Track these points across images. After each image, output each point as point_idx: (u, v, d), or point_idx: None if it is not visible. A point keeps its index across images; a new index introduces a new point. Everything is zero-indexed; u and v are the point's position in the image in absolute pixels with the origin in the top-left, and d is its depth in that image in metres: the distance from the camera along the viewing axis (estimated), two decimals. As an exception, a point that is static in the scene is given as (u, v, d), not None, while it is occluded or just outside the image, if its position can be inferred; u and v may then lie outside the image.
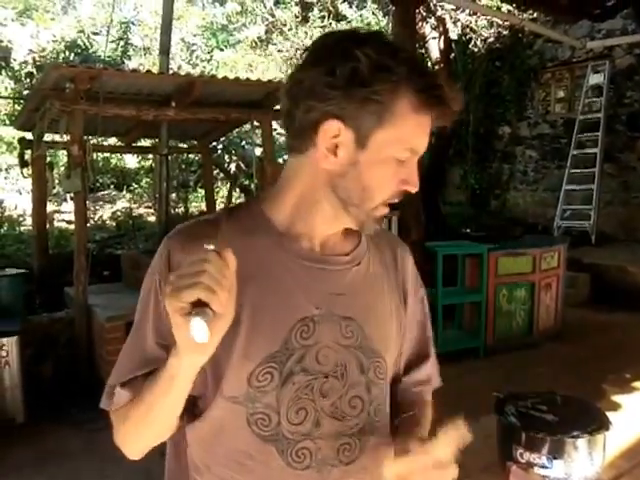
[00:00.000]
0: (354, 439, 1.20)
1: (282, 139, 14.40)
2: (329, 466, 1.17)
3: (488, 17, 10.77)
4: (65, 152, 6.79)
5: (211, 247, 0.97)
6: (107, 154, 12.42)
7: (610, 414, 2.06)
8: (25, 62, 13.75)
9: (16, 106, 12.33)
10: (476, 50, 11.65)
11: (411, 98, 1.09)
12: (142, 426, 1.15)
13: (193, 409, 1.21)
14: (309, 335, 1.16)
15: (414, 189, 1.17)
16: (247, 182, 11.53)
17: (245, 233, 1.19)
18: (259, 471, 1.16)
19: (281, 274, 1.18)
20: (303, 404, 1.15)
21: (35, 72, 13.27)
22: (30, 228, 8.62)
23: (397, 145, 1.12)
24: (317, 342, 1.17)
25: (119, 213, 11.94)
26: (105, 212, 12.04)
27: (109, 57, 14.41)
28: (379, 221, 1.21)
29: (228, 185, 12.36)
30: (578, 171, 10.91)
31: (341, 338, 1.19)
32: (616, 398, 3.12)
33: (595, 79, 11.11)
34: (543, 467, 1.83)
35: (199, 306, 0.92)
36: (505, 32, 11.36)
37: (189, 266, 0.94)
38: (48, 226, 8.34)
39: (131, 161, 14.49)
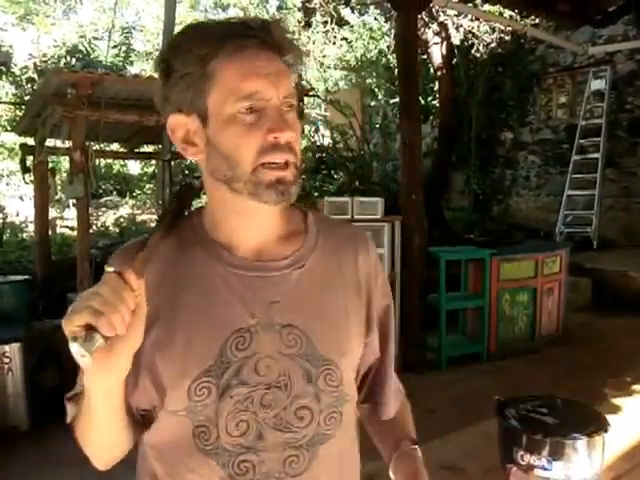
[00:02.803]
0: (302, 450, 1.15)
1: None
2: (274, 479, 1.13)
3: (490, 23, 10.77)
4: (67, 158, 6.81)
5: (111, 269, 0.98)
6: (109, 160, 12.46)
7: (610, 417, 2.07)
8: (26, 67, 13.80)
9: (17, 112, 12.37)
10: (478, 56, 11.66)
11: (210, 50, 1.08)
12: (91, 439, 1.17)
13: (149, 420, 1.20)
14: (246, 346, 1.12)
15: (283, 135, 1.09)
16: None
17: (183, 246, 1.18)
18: None
19: (216, 286, 1.15)
20: (243, 417, 1.12)
21: (36, 77, 13.31)
22: (32, 234, 8.64)
23: (229, 100, 1.08)
24: (256, 353, 1.13)
25: (122, 219, 11.97)
26: (108, 218, 12.07)
27: (111, 62, 14.48)
28: (276, 186, 1.10)
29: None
30: (580, 176, 10.94)
31: (283, 347, 1.14)
32: (616, 401, 3.13)
33: (596, 85, 11.14)
34: (543, 469, 1.84)
35: (92, 329, 0.92)
36: (507, 38, 11.36)
37: (90, 289, 0.96)
38: (50, 232, 8.36)
39: (134, 167, 14.54)
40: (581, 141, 11.10)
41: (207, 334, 1.12)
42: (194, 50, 1.08)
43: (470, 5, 9.87)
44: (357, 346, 1.26)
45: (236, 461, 1.12)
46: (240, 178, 1.10)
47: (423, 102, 12.30)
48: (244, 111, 1.08)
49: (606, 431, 1.91)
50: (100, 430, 1.13)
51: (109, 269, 0.98)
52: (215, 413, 1.11)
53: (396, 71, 8.46)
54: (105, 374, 1.00)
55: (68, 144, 6.04)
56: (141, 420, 1.20)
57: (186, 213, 1.23)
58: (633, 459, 2.24)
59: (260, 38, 1.09)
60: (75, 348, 0.92)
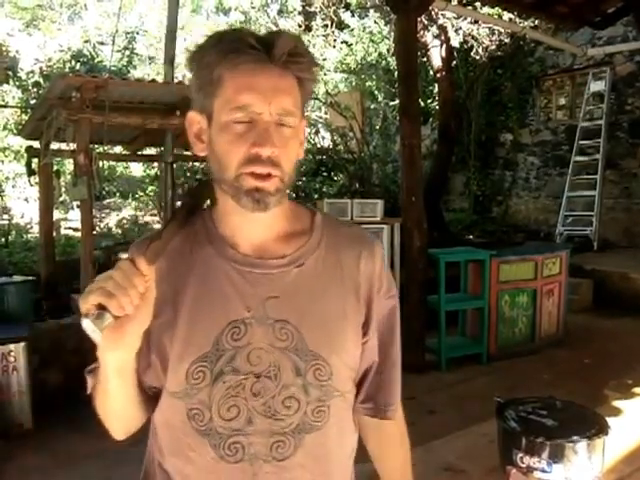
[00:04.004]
0: (288, 437, 1.22)
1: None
2: (261, 461, 1.21)
3: (489, 25, 10.78)
4: (71, 160, 6.85)
5: (124, 256, 1.08)
6: (113, 162, 12.49)
7: (611, 419, 2.09)
8: (32, 72, 13.85)
9: (23, 115, 12.41)
10: (478, 58, 11.66)
11: (215, 59, 1.16)
12: (106, 410, 1.25)
13: (160, 397, 1.29)
14: (240, 337, 1.20)
15: (263, 150, 1.14)
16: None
17: (193, 240, 1.28)
18: (198, 462, 1.23)
19: (219, 280, 1.24)
20: (234, 402, 1.20)
21: (42, 81, 13.38)
22: (37, 236, 8.66)
23: (225, 108, 1.16)
24: (249, 343, 1.20)
25: (125, 221, 12.00)
26: (111, 220, 12.10)
27: (114, 66, 14.49)
28: (253, 194, 1.16)
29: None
30: (580, 178, 10.96)
31: (275, 340, 1.21)
32: (617, 403, 3.15)
33: (596, 86, 11.17)
34: (543, 471, 1.86)
35: (103, 309, 1.01)
36: (506, 40, 11.37)
37: (106, 272, 1.05)
38: (55, 234, 8.38)
39: (137, 169, 14.57)
40: (581, 142, 11.12)
41: (206, 323, 1.21)
42: (205, 57, 1.17)
43: (469, 8, 9.91)
44: (353, 346, 1.31)
45: (227, 443, 1.21)
46: (226, 182, 1.18)
47: (423, 104, 12.31)
48: (236, 121, 1.15)
49: (606, 434, 1.94)
50: (114, 402, 1.22)
51: (123, 256, 1.08)
52: (208, 397, 1.20)
53: (396, 74, 8.46)
54: (115, 349, 1.08)
55: (73, 147, 6.06)
56: (154, 397, 1.29)
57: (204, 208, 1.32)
58: (634, 462, 2.25)
59: (260, 54, 1.15)
60: (86, 324, 1.00)
